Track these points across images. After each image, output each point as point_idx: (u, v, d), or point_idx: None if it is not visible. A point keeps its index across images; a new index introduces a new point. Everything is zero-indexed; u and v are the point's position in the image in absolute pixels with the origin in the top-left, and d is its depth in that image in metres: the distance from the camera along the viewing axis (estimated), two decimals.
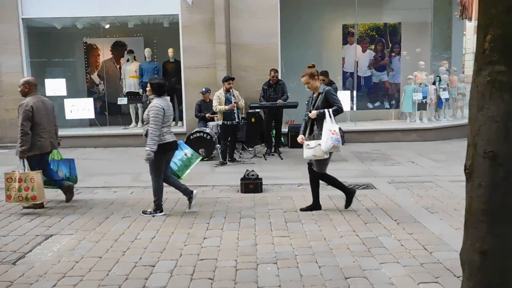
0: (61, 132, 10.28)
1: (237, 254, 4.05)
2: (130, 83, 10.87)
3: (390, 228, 4.64)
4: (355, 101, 11.00)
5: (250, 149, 9.44)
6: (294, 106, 8.83)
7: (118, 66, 11.40)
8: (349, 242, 4.28)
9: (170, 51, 10.53)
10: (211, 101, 9.14)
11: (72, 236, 4.59)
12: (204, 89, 9.23)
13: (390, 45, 10.96)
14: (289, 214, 5.22)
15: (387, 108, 11.35)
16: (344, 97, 10.11)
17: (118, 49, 11.37)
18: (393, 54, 11.00)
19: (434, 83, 10.65)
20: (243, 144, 9.49)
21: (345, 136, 9.86)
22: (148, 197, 5.93)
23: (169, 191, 5.69)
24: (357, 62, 10.97)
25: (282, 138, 9.80)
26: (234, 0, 9.80)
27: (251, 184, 6.24)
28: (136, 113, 11.04)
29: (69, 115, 10.58)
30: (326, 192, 5.76)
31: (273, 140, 9.19)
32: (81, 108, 10.61)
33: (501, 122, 2.22)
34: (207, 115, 9.13)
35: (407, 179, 6.81)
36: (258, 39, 9.87)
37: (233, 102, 7.98)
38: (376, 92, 11.24)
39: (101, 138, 10.30)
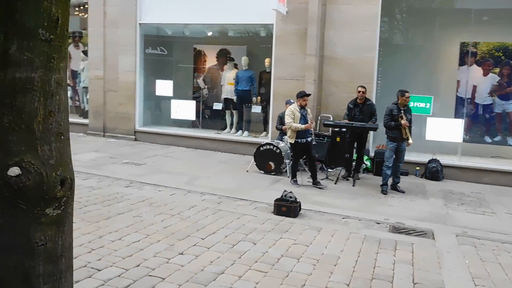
0: (165, 129, 11.20)
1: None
2: (227, 89, 11.10)
3: None
4: (468, 132, 9.39)
5: (329, 170, 8.74)
6: (374, 129, 7.88)
7: (221, 73, 11.75)
8: None
9: (267, 61, 10.44)
10: None
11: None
12: (291, 101, 8.88)
13: None
14: (286, 247, 4.57)
15: (510, 145, 9.36)
16: (455, 126, 8.70)
17: (223, 57, 11.72)
18: None
19: None
20: (322, 164, 8.84)
21: (446, 172, 8.48)
22: (177, 201, 5.89)
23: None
24: (476, 86, 9.31)
25: (368, 163, 8.87)
26: (330, 11, 9.21)
27: (283, 207, 5.69)
28: (232, 119, 11.23)
29: (173, 115, 11.29)
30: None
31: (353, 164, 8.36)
32: (184, 109, 11.23)
33: None
34: (283, 127, 8.77)
35: (485, 234, 5.41)
36: (352, 53, 9.09)
37: (309, 121, 7.39)
38: (498, 124, 9.36)
39: (193, 140, 10.71)
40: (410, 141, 7.08)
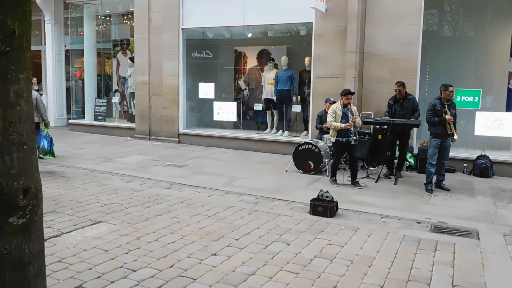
0: (206, 131, 11.43)
1: None
2: (267, 90, 11.14)
3: None
4: None
5: (371, 168, 8.55)
6: (416, 125, 7.61)
7: (261, 74, 11.79)
8: None
9: (307, 60, 10.38)
10: None
11: (114, 227, 4.95)
12: (330, 99, 8.79)
13: None
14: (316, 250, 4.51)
15: None
16: (508, 120, 8.23)
17: (263, 57, 11.77)
18: None
19: None
20: (363, 162, 8.66)
21: (497, 168, 8.06)
22: (215, 202, 6.00)
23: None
24: None
25: (411, 161, 8.59)
26: (371, 7, 8.99)
27: (320, 207, 5.63)
28: (272, 120, 11.26)
29: (216, 117, 11.48)
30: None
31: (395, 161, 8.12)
32: (226, 111, 11.38)
33: None
34: (324, 125, 8.67)
35: None
36: (394, 48, 8.83)
37: (350, 120, 7.16)
38: None
39: (234, 141, 10.84)
40: (456, 137, 6.78)
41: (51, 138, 8.29)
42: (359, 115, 7.51)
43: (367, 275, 3.87)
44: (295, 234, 4.89)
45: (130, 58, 13.05)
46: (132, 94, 12.73)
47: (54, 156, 8.34)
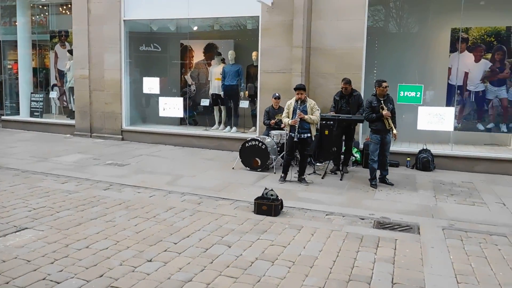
0: (153, 128, 11.01)
1: None
2: (215, 85, 10.89)
3: None
4: (460, 120, 9.17)
5: (318, 164, 8.54)
6: (360, 120, 7.66)
7: (209, 68, 11.51)
8: None
9: (254, 55, 10.23)
10: (280, 108, 8.56)
11: (40, 234, 4.55)
12: (277, 94, 8.69)
13: None
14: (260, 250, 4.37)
15: (504, 132, 9.12)
16: (448, 115, 8.46)
17: (210, 52, 11.49)
18: None
19: None
20: (311, 158, 8.63)
21: (438, 162, 8.27)
22: (156, 203, 5.71)
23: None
24: (467, 73, 9.07)
25: (357, 156, 8.67)
26: (317, 1, 8.95)
27: (264, 205, 5.49)
28: (220, 115, 11.03)
29: (162, 113, 11.04)
30: None
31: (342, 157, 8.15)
32: (172, 106, 10.99)
33: None
34: (271, 121, 8.57)
35: (474, 226, 5.22)
36: (340, 43, 8.86)
37: (296, 116, 6.99)
38: (491, 111, 9.12)
39: (181, 137, 10.52)
40: (395, 131, 6.85)
41: None
42: (317, 111, 7.28)
43: (308, 276, 3.76)
44: (238, 235, 4.71)
45: (69, 51, 12.32)
46: (72, 89, 12.04)
47: None
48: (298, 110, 7.00)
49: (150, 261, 3.96)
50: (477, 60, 9.00)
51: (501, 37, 8.81)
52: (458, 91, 9.06)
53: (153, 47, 11.66)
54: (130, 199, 5.95)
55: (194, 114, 11.85)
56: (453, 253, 4.39)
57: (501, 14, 8.92)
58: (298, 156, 7.75)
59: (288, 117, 7.13)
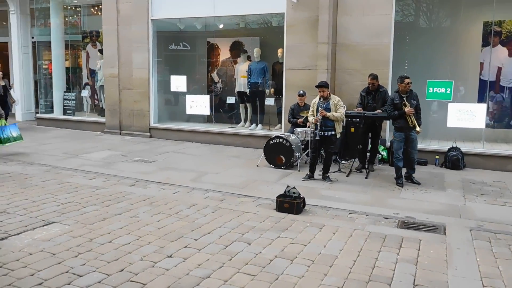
0: (179, 125, 11.15)
1: None
2: (240, 82, 10.91)
3: None
4: (493, 117, 8.85)
5: (343, 162, 8.44)
6: (385, 117, 7.50)
7: (235, 66, 11.55)
8: None
9: (279, 52, 10.19)
10: (305, 105, 8.51)
11: (67, 228, 4.69)
12: (301, 91, 8.63)
13: None
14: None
15: None
16: (479, 111, 8.18)
17: (236, 49, 11.52)
18: None
19: None
20: (336, 156, 8.53)
21: (468, 160, 8.01)
22: (179, 199, 5.78)
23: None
24: (500, 68, 8.73)
25: (384, 154, 8.50)
26: None
27: (286, 203, 5.47)
28: (246, 113, 11.05)
29: (188, 110, 11.17)
30: None
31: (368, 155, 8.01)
32: (199, 104, 11.09)
33: None
34: (298, 120, 8.51)
35: (504, 228, 5.03)
36: (366, 39, 8.69)
37: (318, 114, 6.91)
38: None
39: (207, 135, 10.60)
40: (418, 129, 6.64)
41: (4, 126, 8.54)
42: (342, 108, 7.18)
43: (327, 276, 3.72)
44: (258, 232, 4.71)
45: (99, 51, 12.63)
46: (102, 88, 12.33)
47: (17, 139, 8.73)
48: (320, 108, 6.94)
49: (170, 256, 4.02)
50: (510, 54, 8.65)
51: None
52: (491, 87, 8.74)
53: (182, 46, 11.80)
54: (155, 196, 6.05)
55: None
56: (480, 255, 4.24)
57: None
58: (323, 153, 7.67)
59: (313, 115, 7.08)
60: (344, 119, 8.45)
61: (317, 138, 6.96)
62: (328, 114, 6.91)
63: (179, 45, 11.98)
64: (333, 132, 7.02)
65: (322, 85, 7.02)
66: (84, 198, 5.81)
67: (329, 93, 7.07)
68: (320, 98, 7.02)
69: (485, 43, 8.71)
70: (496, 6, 8.27)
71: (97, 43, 13.15)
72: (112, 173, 7.29)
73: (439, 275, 3.80)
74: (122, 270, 3.70)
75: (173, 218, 5.11)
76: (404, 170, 7.00)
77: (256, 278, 3.64)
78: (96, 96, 13.26)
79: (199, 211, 5.40)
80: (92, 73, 13.32)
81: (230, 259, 4.00)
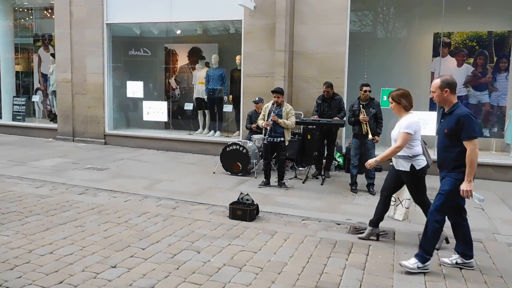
0: (134, 132, 10.90)
1: None
2: (198, 89, 10.82)
3: None
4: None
5: (300, 168, 8.49)
6: (341, 125, 7.62)
7: (193, 72, 11.44)
8: None
9: (237, 59, 10.17)
10: None
11: (5, 239, 4.44)
12: (257, 99, 8.62)
13: (495, 58, 8.78)
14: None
15: (486, 137, 9.12)
16: (431, 119, 8.44)
17: (194, 55, 11.42)
18: (499, 70, 8.80)
19: None
20: (293, 163, 8.58)
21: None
22: (129, 208, 5.60)
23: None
24: None
25: (340, 160, 8.62)
26: (299, 5, 8.93)
27: (239, 210, 5.41)
28: (204, 119, 10.95)
29: (146, 117, 10.94)
30: None
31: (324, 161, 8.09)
32: (156, 110, 10.89)
33: None
34: (252, 125, 8.51)
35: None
36: (322, 47, 8.83)
37: (270, 119, 6.95)
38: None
39: (164, 142, 10.41)
40: (370, 136, 6.74)
41: None
42: (293, 117, 7.15)
43: (275, 283, 3.68)
44: (209, 240, 4.63)
45: (52, 54, 12.20)
46: (55, 93, 11.90)
47: None
48: (272, 113, 6.96)
49: (114, 267, 3.86)
50: (459, 64, 9.01)
51: (483, 41, 8.83)
52: None
53: (142, 51, 11.58)
54: (104, 204, 5.84)
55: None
56: None
57: (482, 18, 8.95)
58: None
59: (263, 120, 7.08)
60: (302, 126, 8.58)
61: (265, 142, 6.99)
62: (280, 120, 6.93)
63: (139, 51, 11.75)
64: (282, 139, 7.05)
65: (278, 91, 7.05)
66: (28, 207, 5.52)
67: (283, 101, 7.11)
68: (273, 104, 7.05)
69: (436, 53, 9.03)
70: (444, 18, 8.61)
71: (50, 47, 12.70)
72: (61, 181, 6.99)
73: (385, 279, 3.84)
74: (61, 282, 3.52)
75: (121, 227, 4.93)
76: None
77: (202, 287, 3.55)
78: (48, 102, 12.77)
79: (150, 220, 5.25)
80: (44, 77, 12.85)
81: (177, 268, 3.89)
